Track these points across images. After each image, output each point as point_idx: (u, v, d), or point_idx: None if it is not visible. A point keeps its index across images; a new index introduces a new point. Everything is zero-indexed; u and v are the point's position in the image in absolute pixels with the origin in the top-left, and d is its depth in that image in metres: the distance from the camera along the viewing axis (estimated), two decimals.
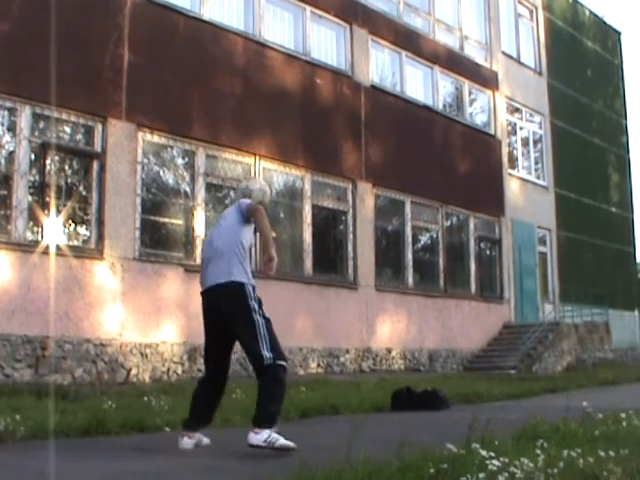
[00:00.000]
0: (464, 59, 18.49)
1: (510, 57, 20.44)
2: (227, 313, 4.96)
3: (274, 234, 14.51)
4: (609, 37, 26.51)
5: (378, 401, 8.69)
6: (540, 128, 21.58)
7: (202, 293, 5.14)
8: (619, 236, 24.85)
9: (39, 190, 10.26)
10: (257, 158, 12.93)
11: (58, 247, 9.95)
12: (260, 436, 4.73)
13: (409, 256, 15.96)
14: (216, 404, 5.32)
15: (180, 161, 12.29)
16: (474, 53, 19.02)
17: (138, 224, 11.05)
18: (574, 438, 4.86)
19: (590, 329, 19.34)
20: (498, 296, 18.38)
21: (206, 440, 5.25)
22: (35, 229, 10.16)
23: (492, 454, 3.70)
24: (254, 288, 5.00)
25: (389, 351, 14.89)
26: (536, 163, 21.49)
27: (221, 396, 5.32)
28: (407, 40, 16.76)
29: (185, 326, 11.08)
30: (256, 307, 4.91)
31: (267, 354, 4.82)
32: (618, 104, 26.29)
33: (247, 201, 5.13)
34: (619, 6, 78.92)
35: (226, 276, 4.94)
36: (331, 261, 14.59)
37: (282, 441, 4.72)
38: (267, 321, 4.95)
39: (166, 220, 11.90)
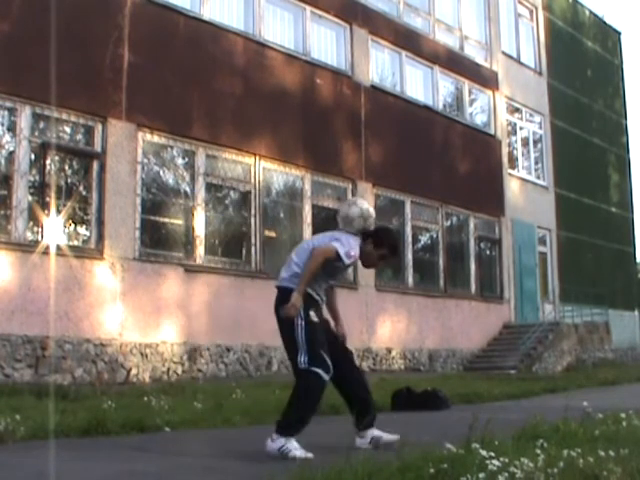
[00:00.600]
0: (464, 59, 18.49)
1: (510, 57, 20.44)
2: (277, 313, 4.98)
3: (274, 234, 14.53)
4: (609, 37, 26.51)
5: (378, 401, 8.66)
6: (540, 128, 21.58)
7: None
8: (619, 236, 24.85)
9: (39, 190, 10.25)
10: (257, 158, 12.93)
11: (58, 247, 9.95)
12: (275, 444, 4.68)
13: (409, 256, 15.95)
14: (350, 398, 5.18)
15: (180, 161, 12.29)
16: (474, 53, 19.02)
17: (138, 224, 11.05)
18: (574, 438, 4.86)
19: (590, 329, 19.34)
20: (498, 296, 18.38)
21: (387, 436, 5.06)
22: (35, 229, 10.16)
23: (492, 454, 3.70)
24: (311, 299, 4.91)
25: (389, 351, 14.89)
26: (536, 163, 21.49)
27: (350, 389, 5.15)
28: (407, 40, 16.76)
29: (185, 326, 11.07)
30: (300, 311, 4.80)
31: (302, 358, 4.75)
32: (618, 104, 26.29)
33: (325, 244, 4.96)
34: (619, 6, 78.97)
35: (282, 280, 4.98)
36: None
37: (296, 452, 4.62)
38: (311, 325, 4.83)
39: (166, 220, 11.89)
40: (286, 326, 4.87)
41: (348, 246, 4.94)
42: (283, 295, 4.92)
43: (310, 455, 4.59)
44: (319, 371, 4.74)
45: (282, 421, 4.75)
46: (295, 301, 4.77)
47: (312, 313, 4.89)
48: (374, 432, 5.11)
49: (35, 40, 10.07)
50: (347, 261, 4.94)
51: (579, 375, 15.03)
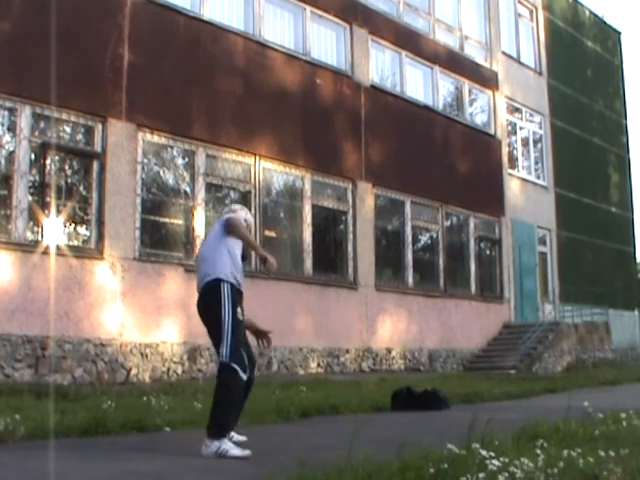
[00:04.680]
0: (464, 59, 18.49)
1: (510, 57, 20.45)
2: (204, 307, 5.18)
3: (274, 234, 14.54)
4: (609, 37, 26.51)
5: (378, 401, 8.69)
6: (540, 128, 21.58)
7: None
8: (619, 236, 24.85)
9: (39, 190, 10.25)
10: (257, 158, 12.93)
11: (58, 247, 9.95)
12: (210, 449, 4.76)
13: (409, 256, 15.95)
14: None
15: (180, 161, 12.29)
16: (474, 53, 19.02)
17: (138, 224, 11.05)
18: (574, 438, 4.87)
19: (590, 329, 19.35)
20: (498, 296, 18.38)
21: (237, 437, 5.21)
22: (35, 229, 10.15)
23: (492, 454, 3.70)
24: (233, 288, 5.13)
25: (389, 351, 14.89)
26: (536, 163, 21.49)
27: (245, 395, 5.25)
28: (407, 40, 16.76)
29: (185, 326, 11.07)
30: (227, 305, 5.03)
31: (225, 351, 4.91)
32: (618, 104, 26.29)
33: (227, 215, 5.40)
34: (619, 6, 78.96)
35: (207, 277, 5.16)
36: (331, 261, 14.60)
37: (234, 452, 4.75)
38: (237, 322, 5.04)
39: (166, 220, 11.89)
40: (214, 317, 5.03)
41: (235, 216, 5.38)
42: (212, 288, 5.09)
43: (248, 452, 4.77)
44: (237, 368, 4.90)
45: (211, 425, 4.84)
46: (266, 256, 5.04)
47: (239, 310, 5.12)
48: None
49: (35, 40, 10.07)
50: (245, 223, 5.36)
51: (579, 375, 15.03)
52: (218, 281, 5.08)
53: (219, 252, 5.17)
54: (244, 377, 4.95)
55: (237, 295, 5.16)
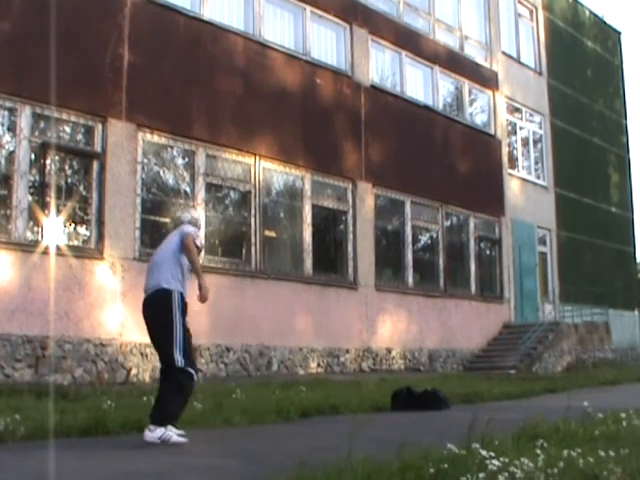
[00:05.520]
0: (464, 59, 18.49)
1: (510, 57, 20.44)
2: (153, 312, 5.57)
3: (274, 234, 14.55)
4: (609, 37, 26.51)
5: (378, 401, 8.70)
6: (540, 128, 21.57)
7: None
8: (619, 236, 24.85)
9: (39, 190, 10.25)
10: (257, 158, 12.93)
11: (58, 247, 9.95)
12: (155, 434, 5.24)
13: (409, 256, 15.95)
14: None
15: (180, 161, 12.29)
16: (474, 53, 19.02)
17: (138, 224, 11.05)
18: (574, 438, 4.87)
19: (590, 329, 19.34)
20: (498, 296, 18.38)
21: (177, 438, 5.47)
22: (35, 229, 10.15)
23: (492, 454, 3.70)
24: (182, 298, 5.54)
25: (389, 351, 14.89)
26: (536, 163, 21.48)
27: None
28: (407, 40, 16.75)
29: None
30: (178, 314, 5.46)
31: (179, 358, 5.39)
32: (618, 104, 26.28)
33: (189, 230, 5.71)
34: (619, 6, 78.94)
35: (160, 284, 5.56)
36: (331, 261, 14.59)
37: (175, 438, 5.26)
38: (186, 331, 5.49)
39: (166, 220, 11.88)
40: (164, 326, 5.44)
41: (195, 232, 5.76)
42: (164, 296, 5.49)
43: (186, 439, 5.29)
44: (192, 372, 5.45)
45: (158, 414, 5.32)
46: (202, 285, 5.51)
47: (187, 320, 5.55)
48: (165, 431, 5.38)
49: (35, 40, 10.07)
50: (199, 243, 5.71)
51: (579, 375, 15.03)
52: (170, 291, 5.51)
53: (174, 263, 5.59)
54: (196, 378, 5.54)
55: (184, 304, 5.58)
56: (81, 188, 10.86)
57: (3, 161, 10.01)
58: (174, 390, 5.37)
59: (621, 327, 22.50)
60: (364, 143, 15.00)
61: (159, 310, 5.52)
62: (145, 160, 11.53)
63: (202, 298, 5.54)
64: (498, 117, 19.32)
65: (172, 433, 5.28)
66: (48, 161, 10.24)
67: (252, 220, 12.76)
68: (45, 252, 9.78)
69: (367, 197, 14.97)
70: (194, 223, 5.98)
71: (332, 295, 13.90)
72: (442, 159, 17.16)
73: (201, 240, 5.86)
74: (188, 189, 12.11)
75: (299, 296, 13.25)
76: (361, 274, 14.54)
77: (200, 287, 5.53)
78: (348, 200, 14.66)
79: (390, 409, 8.45)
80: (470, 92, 18.75)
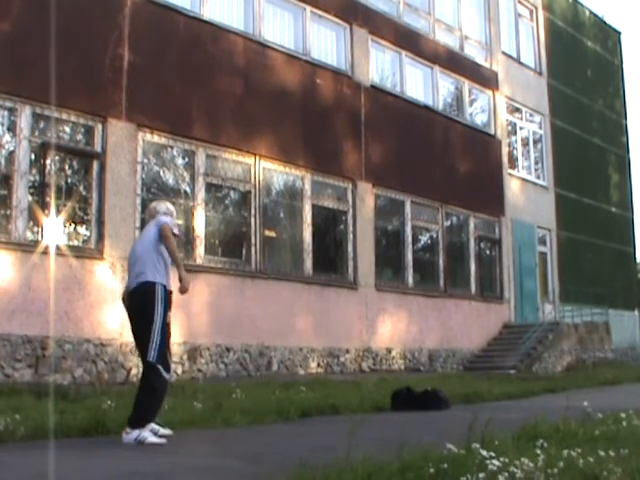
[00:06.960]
0: (464, 59, 18.49)
1: (510, 57, 20.44)
2: (136, 306, 5.53)
3: (274, 234, 14.54)
4: (609, 37, 26.51)
5: (378, 401, 8.69)
6: (540, 128, 21.57)
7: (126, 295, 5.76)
8: (619, 236, 24.85)
9: (39, 190, 10.25)
10: (257, 158, 12.93)
11: (58, 247, 9.95)
12: (131, 436, 5.27)
13: (409, 256, 15.95)
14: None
15: (180, 161, 12.29)
16: (474, 53, 19.01)
17: (138, 224, 11.03)
18: (574, 438, 4.87)
19: (590, 329, 19.34)
20: (498, 296, 18.38)
21: (162, 430, 5.56)
22: (35, 229, 10.15)
23: (492, 454, 3.70)
24: (165, 290, 5.49)
25: (389, 351, 14.89)
26: (536, 163, 21.48)
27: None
28: (407, 40, 16.75)
29: (185, 326, 11.05)
30: (160, 308, 5.40)
31: (152, 353, 5.34)
32: (618, 104, 26.28)
33: (165, 219, 5.67)
34: (619, 6, 78.95)
35: (142, 276, 5.51)
36: (331, 261, 14.59)
37: (151, 439, 5.27)
38: (165, 326, 5.44)
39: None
40: (144, 319, 5.40)
41: (171, 222, 5.72)
42: (147, 289, 5.43)
43: (164, 440, 5.32)
44: (161, 369, 5.38)
45: (134, 417, 5.33)
46: (188, 278, 5.48)
47: (170, 314, 5.50)
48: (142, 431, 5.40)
49: (35, 40, 10.07)
50: (176, 231, 5.65)
51: (579, 375, 15.03)
52: (153, 283, 5.45)
53: (155, 254, 5.55)
54: (167, 377, 5.45)
55: (168, 296, 5.53)
56: (81, 188, 10.86)
57: (3, 161, 10.01)
58: (146, 392, 5.41)
59: (621, 327, 22.49)
60: (364, 143, 15.00)
61: (142, 303, 5.48)
62: (145, 160, 11.53)
63: (182, 290, 5.48)
64: (498, 117, 19.32)
65: (148, 434, 5.29)
66: (48, 161, 10.24)
67: (252, 220, 12.76)
68: (45, 252, 9.78)
69: (367, 197, 14.97)
70: (169, 213, 5.97)
71: (332, 295, 13.90)
72: (442, 159, 17.16)
73: (180, 229, 5.82)
74: (188, 189, 12.11)
75: (299, 296, 13.25)
76: (361, 274, 14.54)
77: (180, 279, 5.47)
78: (348, 200, 14.66)
79: (390, 409, 8.45)
80: (470, 92, 18.75)
